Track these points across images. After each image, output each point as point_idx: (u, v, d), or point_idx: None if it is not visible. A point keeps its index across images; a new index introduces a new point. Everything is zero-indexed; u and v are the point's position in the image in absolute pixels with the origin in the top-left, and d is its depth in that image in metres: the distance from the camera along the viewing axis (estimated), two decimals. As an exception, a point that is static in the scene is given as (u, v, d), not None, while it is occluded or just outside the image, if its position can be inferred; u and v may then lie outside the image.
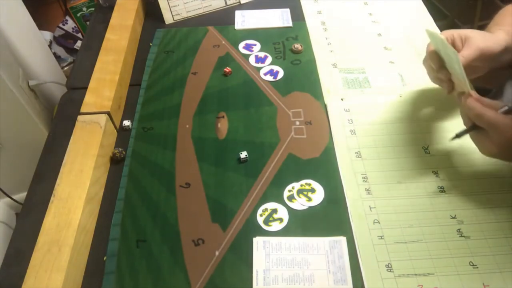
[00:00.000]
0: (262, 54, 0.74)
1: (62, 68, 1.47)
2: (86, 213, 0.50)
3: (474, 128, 0.48)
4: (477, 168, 0.54)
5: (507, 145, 0.44)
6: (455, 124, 0.59)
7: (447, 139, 0.57)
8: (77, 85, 0.71)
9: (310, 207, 0.52)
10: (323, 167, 0.56)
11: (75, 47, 1.63)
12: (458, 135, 0.50)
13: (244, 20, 0.81)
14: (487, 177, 0.53)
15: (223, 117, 0.64)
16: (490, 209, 0.50)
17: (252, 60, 0.73)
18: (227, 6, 0.85)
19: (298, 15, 0.82)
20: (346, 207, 0.52)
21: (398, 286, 0.45)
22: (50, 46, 1.53)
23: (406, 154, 0.57)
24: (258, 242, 0.49)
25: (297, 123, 0.62)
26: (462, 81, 0.48)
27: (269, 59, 0.73)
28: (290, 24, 0.80)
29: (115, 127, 0.63)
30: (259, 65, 0.72)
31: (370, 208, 0.52)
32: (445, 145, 0.57)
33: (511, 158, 0.47)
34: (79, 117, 0.59)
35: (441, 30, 0.74)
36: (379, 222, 0.50)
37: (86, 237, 0.50)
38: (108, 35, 0.73)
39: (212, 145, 0.60)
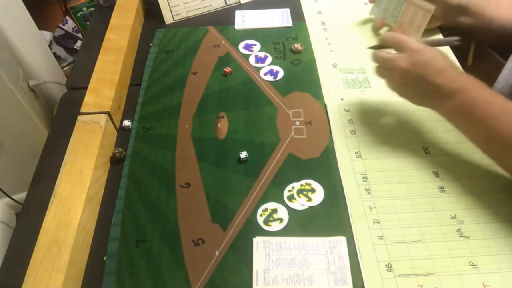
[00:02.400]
0: (262, 54, 0.74)
1: (62, 68, 1.47)
2: (86, 213, 0.50)
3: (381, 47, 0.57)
4: (477, 168, 0.54)
5: (415, 59, 0.50)
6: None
7: (447, 141, 0.57)
8: (77, 85, 0.71)
9: (310, 207, 0.52)
10: (323, 167, 0.56)
11: (75, 47, 1.63)
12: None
13: (244, 20, 0.81)
14: (487, 177, 0.53)
15: (223, 117, 0.64)
16: (490, 209, 0.50)
17: (252, 60, 0.73)
18: (227, 6, 0.85)
19: (298, 15, 0.82)
20: (346, 207, 0.52)
21: (398, 286, 0.45)
22: (50, 46, 1.53)
23: (406, 154, 0.57)
24: (258, 242, 0.49)
25: (297, 123, 0.62)
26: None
27: (269, 59, 0.73)
28: (290, 24, 0.80)
29: (115, 127, 0.63)
30: (259, 65, 0.72)
31: (370, 208, 0.51)
32: (445, 145, 0.57)
33: (415, 81, 0.51)
34: (79, 117, 0.59)
35: (439, 31, 0.74)
36: (379, 222, 0.50)
37: (86, 237, 0.50)
38: (108, 35, 0.73)
39: (212, 145, 0.60)
